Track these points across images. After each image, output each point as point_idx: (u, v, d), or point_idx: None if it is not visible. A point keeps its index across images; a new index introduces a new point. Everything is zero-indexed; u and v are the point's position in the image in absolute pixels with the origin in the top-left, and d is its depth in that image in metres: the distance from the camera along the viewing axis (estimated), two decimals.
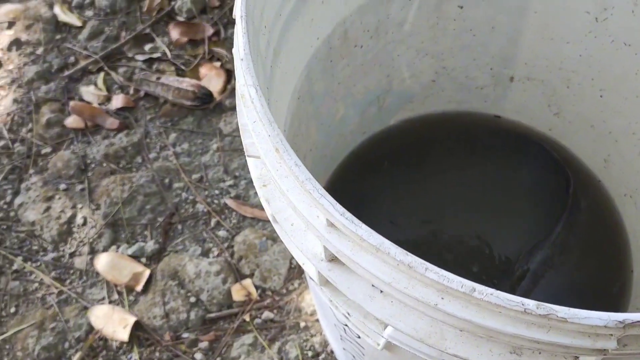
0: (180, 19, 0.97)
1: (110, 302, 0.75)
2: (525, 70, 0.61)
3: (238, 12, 0.33)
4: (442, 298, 0.27)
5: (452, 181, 0.68)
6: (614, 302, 0.60)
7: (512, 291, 0.60)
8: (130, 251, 0.78)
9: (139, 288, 0.75)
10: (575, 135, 0.64)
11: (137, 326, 0.73)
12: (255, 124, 0.31)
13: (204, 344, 0.72)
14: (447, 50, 0.61)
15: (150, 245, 0.78)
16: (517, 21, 0.57)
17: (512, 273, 0.61)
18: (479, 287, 0.26)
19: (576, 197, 0.64)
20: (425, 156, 0.69)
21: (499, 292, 0.25)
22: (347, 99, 0.60)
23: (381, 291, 0.31)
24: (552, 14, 0.55)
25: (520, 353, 0.30)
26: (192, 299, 0.74)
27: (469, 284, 0.26)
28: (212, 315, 0.73)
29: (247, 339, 0.72)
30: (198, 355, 0.71)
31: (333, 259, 0.32)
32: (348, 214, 0.28)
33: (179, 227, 0.80)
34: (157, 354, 0.72)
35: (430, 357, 0.31)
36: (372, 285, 0.31)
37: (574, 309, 0.25)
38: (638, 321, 0.25)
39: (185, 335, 0.73)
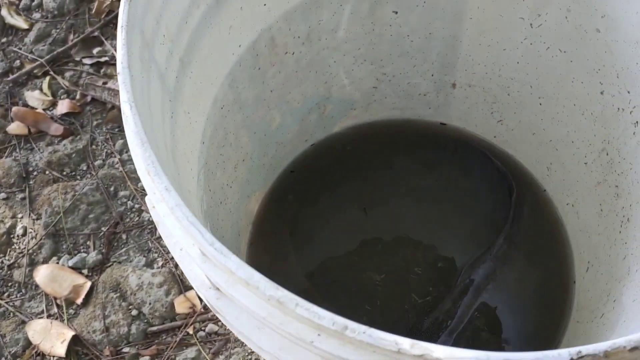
0: None
1: (49, 316, 0.73)
2: (466, 77, 0.60)
3: (119, 22, 0.31)
4: (319, 335, 0.25)
5: (396, 190, 0.66)
6: (557, 314, 0.58)
7: (454, 306, 0.58)
8: (71, 262, 0.75)
9: (79, 301, 0.73)
10: (519, 143, 0.62)
11: (76, 341, 0.70)
12: (131, 143, 0.29)
13: (145, 359, 0.70)
14: (386, 57, 0.59)
15: (93, 256, 0.76)
16: (453, 27, 0.55)
17: (455, 286, 0.60)
18: (352, 325, 0.24)
19: (519, 207, 0.62)
20: (370, 164, 0.68)
21: (372, 330, 0.24)
22: (282, 106, 0.58)
23: None
24: (487, 20, 0.53)
25: None
26: (134, 312, 0.72)
27: (341, 321, 0.24)
28: (154, 328, 0.71)
29: (190, 352, 0.70)
30: None
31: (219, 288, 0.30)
32: (217, 244, 0.26)
33: (124, 236, 0.78)
34: None
35: None
36: None
37: (451, 348, 0.23)
38: None
39: (126, 349, 0.70)
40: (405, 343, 0.23)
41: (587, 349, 0.23)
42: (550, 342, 0.56)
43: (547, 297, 0.60)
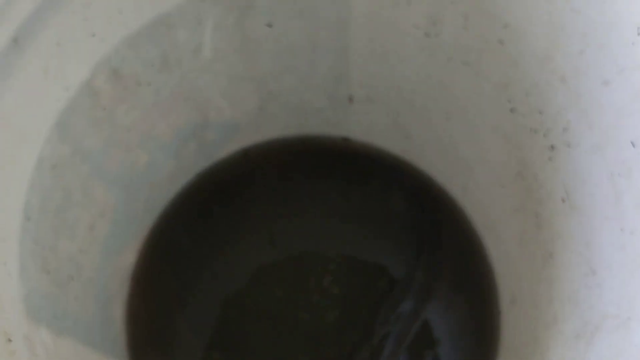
0: None
1: None
2: (362, 90, 0.52)
3: None
4: None
5: (298, 217, 0.58)
6: (486, 349, 0.52)
7: (373, 358, 0.51)
8: None
9: None
10: (431, 161, 0.55)
11: None
12: None
13: None
14: (267, 74, 0.50)
15: None
16: (340, 37, 0.47)
17: (372, 334, 0.52)
18: None
19: (434, 232, 0.55)
20: (267, 189, 0.59)
21: None
22: (147, 144, 0.49)
23: None
24: (377, 28, 0.45)
25: None
26: None
27: None
28: None
29: None
30: None
31: None
32: None
33: None
34: None
35: None
36: None
37: None
38: None
39: None
40: None
41: None
42: None
43: (474, 333, 0.54)
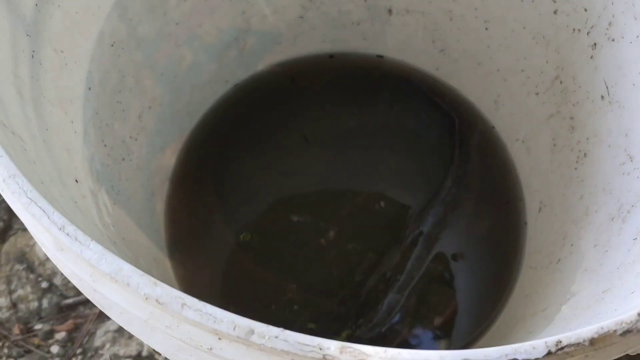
0: None
1: None
2: (402, 1, 0.53)
3: None
4: (219, 339, 0.19)
5: (332, 133, 0.59)
6: (509, 259, 0.54)
7: (403, 259, 0.53)
8: None
9: None
10: (464, 75, 0.56)
11: None
12: None
13: (61, 335, 0.63)
14: None
15: None
16: None
17: (404, 239, 0.54)
18: (260, 327, 0.17)
19: (465, 146, 0.57)
20: (301, 105, 0.60)
21: (287, 333, 0.17)
22: (193, 42, 0.50)
23: None
24: None
25: None
26: (45, 285, 0.64)
27: (244, 324, 0.17)
28: (69, 301, 0.64)
29: (112, 324, 0.63)
30: (55, 349, 0.62)
31: None
32: (70, 228, 0.18)
33: None
34: (5, 350, 0.62)
35: None
36: None
37: (393, 351, 0.17)
38: None
39: (38, 326, 0.63)
40: (333, 347, 0.17)
41: (568, 337, 0.18)
42: (503, 290, 0.52)
43: (498, 241, 0.55)
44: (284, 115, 0.60)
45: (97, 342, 0.62)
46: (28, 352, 0.61)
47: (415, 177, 0.57)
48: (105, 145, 0.39)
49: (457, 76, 0.57)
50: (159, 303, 0.18)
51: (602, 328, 0.18)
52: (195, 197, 0.57)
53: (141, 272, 0.18)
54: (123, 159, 0.43)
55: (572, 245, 0.43)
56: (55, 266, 0.64)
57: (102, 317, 0.63)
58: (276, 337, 0.17)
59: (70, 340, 0.62)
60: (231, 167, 0.58)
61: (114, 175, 0.40)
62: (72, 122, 0.34)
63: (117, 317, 0.23)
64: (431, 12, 0.53)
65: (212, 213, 0.57)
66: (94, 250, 0.18)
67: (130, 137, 0.45)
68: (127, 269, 0.18)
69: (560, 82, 0.46)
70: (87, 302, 0.64)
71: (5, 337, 0.62)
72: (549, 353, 0.17)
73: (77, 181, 0.30)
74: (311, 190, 0.58)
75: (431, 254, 0.54)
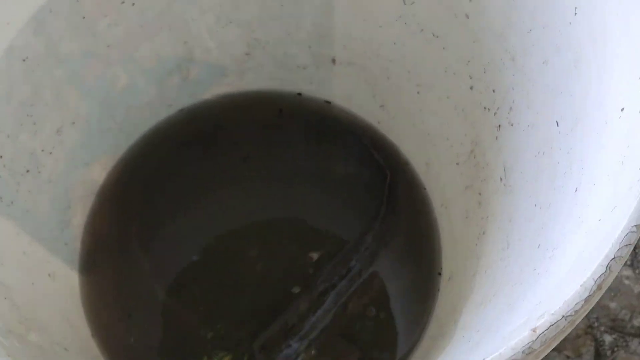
0: None
1: None
2: (345, 53, 0.53)
3: None
4: None
5: (267, 169, 0.60)
6: (415, 323, 0.53)
7: (310, 309, 0.53)
8: None
9: None
10: (401, 133, 0.56)
11: None
12: None
13: None
14: (255, 20, 0.52)
15: None
16: None
17: (315, 288, 0.54)
18: None
19: (392, 203, 0.57)
20: (244, 135, 0.61)
21: None
22: (128, 65, 0.51)
23: None
24: None
25: None
26: None
27: None
28: None
29: None
30: None
31: None
32: None
33: None
34: None
35: None
36: None
37: None
38: None
39: None
40: None
41: None
42: (404, 349, 0.51)
43: (410, 303, 0.55)
44: (226, 144, 0.61)
45: None
46: None
47: (338, 226, 0.57)
48: (1, 157, 0.40)
49: (396, 132, 0.57)
50: None
51: None
52: (123, 216, 0.58)
53: None
54: (27, 171, 0.44)
55: (454, 322, 0.42)
56: None
57: None
58: None
59: None
60: (165, 189, 0.59)
61: (7, 187, 0.41)
62: None
63: None
64: (371, 68, 0.53)
65: (139, 235, 0.57)
66: None
67: (43, 150, 0.46)
68: None
69: (474, 157, 0.46)
70: None
71: None
72: None
73: None
74: (237, 225, 0.58)
75: (338, 307, 0.53)
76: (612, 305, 0.63)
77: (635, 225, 0.21)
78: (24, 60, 0.41)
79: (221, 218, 0.58)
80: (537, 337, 0.20)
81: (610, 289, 0.64)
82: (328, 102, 0.60)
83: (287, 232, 0.57)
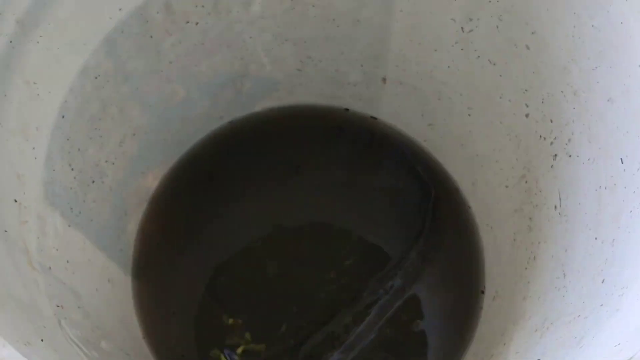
0: None
1: None
2: (397, 72, 0.54)
3: None
4: None
5: (313, 182, 0.61)
6: (458, 341, 0.54)
7: (354, 321, 0.54)
8: None
9: None
10: (448, 152, 0.57)
11: None
12: None
13: None
14: (310, 39, 0.53)
15: None
16: (382, 17, 0.49)
17: (360, 301, 0.55)
18: None
19: (436, 220, 0.58)
20: (292, 149, 0.62)
21: None
22: (187, 80, 0.52)
23: None
24: (418, 15, 0.47)
25: None
26: None
27: None
28: None
29: None
30: None
31: None
32: None
33: None
34: None
35: None
36: None
37: None
38: None
39: None
40: None
41: None
42: None
43: (452, 321, 0.56)
44: (275, 157, 0.62)
45: None
46: None
47: (383, 240, 0.58)
48: (72, 169, 0.42)
49: (442, 152, 0.58)
50: None
51: None
52: (172, 222, 0.59)
53: None
54: (93, 182, 0.46)
55: (504, 344, 0.43)
56: None
57: None
58: None
59: None
60: (212, 197, 0.60)
61: (77, 198, 0.43)
62: (33, 148, 0.36)
63: None
64: (422, 88, 0.54)
65: (187, 240, 0.59)
66: None
67: (107, 161, 0.47)
68: None
69: (526, 182, 0.46)
70: None
71: None
72: None
73: (21, 205, 0.33)
74: (285, 235, 0.59)
75: (383, 321, 0.54)
76: None
77: None
78: (95, 78, 0.42)
79: (266, 226, 0.60)
80: None
81: None
82: (374, 118, 0.62)
83: (332, 243, 0.58)
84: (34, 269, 0.32)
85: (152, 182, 0.57)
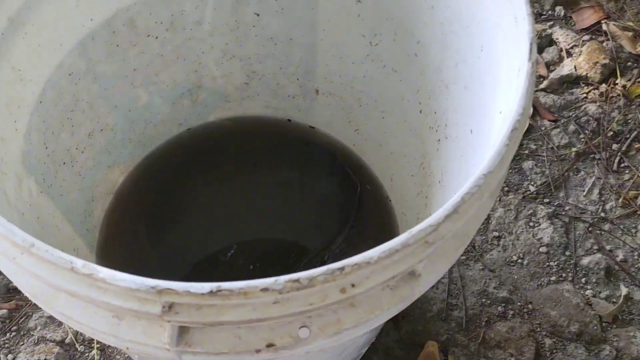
0: None
1: None
2: (326, 85, 0.65)
3: None
4: (22, 253, 0.29)
5: (260, 182, 0.71)
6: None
7: None
8: None
9: None
10: (371, 153, 0.67)
11: None
12: None
13: (2, 312, 0.73)
14: (253, 55, 0.64)
15: None
16: (310, 36, 0.60)
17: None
18: (38, 242, 0.28)
19: (361, 212, 0.67)
20: (241, 156, 0.72)
21: (54, 250, 0.28)
22: (149, 86, 0.62)
23: None
24: (336, 33, 0.58)
25: (122, 317, 0.32)
26: None
27: (28, 239, 0.28)
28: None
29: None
30: None
31: None
32: None
33: None
34: None
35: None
36: None
37: (116, 271, 0.28)
38: (170, 288, 0.28)
39: None
40: (78, 263, 0.28)
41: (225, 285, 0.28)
42: None
43: None
44: (224, 161, 0.72)
45: (31, 323, 0.72)
46: None
47: (316, 228, 0.67)
48: (46, 148, 0.51)
49: (367, 153, 0.68)
50: None
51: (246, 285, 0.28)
52: (135, 213, 0.68)
53: None
54: (64, 163, 0.55)
55: None
56: None
57: None
58: (46, 251, 0.28)
59: (9, 318, 0.73)
60: (172, 195, 0.70)
61: (49, 172, 0.52)
62: (15, 121, 0.46)
63: None
64: (346, 98, 0.65)
65: (148, 231, 0.68)
66: None
67: (77, 149, 0.57)
68: None
69: (423, 168, 0.56)
70: None
71: None
72: None
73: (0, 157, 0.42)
74: (228, 228, 0.68)
75: None
76: (553, 313, 0.73)
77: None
78: (69, 75, 0.52)
79: (218, 218, 0.69)
80: None
81: (552, 299, 0.74)
82: (313, 127, 0.72)
83: (275, 228, 0.67)
84: (10, 206, 0.41)
85: (118, 176, 0.67)
